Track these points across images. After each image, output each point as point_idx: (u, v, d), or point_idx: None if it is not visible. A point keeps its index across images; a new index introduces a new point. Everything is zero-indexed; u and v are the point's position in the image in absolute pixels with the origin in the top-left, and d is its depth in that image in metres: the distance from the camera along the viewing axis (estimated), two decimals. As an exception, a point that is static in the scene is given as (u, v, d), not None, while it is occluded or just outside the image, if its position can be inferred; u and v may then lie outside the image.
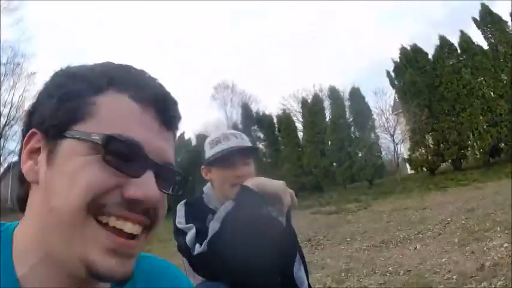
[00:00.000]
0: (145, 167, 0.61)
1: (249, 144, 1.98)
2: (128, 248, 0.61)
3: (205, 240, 1.71)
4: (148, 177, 0.61)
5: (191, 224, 1.79)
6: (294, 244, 1.99)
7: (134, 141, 0.61)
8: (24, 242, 0.64)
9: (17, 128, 29.69)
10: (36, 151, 0.65)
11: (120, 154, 0.60)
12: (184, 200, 1.95)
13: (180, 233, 1.81)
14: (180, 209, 1.91)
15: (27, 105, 27.85)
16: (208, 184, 2.02)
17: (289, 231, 1.95)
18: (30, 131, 0.66)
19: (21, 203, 0.68)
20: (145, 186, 0.60)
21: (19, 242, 0.65)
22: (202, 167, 2.00)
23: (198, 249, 1.70)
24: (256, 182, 1.83)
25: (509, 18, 19.97)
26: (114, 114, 0.62)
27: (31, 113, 0.68)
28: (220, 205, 1.87)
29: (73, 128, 0.61)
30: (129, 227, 0.60)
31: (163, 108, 0.66)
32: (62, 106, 0.63)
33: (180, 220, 1.85)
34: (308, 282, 1.96)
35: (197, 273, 1.74)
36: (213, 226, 1.74)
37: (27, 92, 28.05)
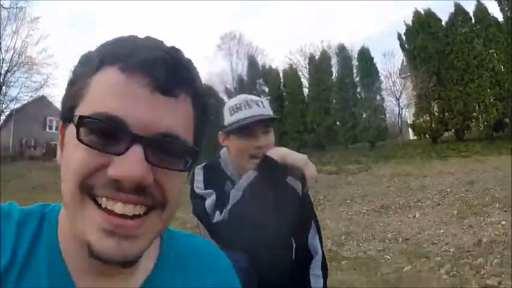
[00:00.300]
0: (128, 143, 0.56)
1: (270, 112, 1.89)
2: (125, 228, 0.57)
3: (225, 209, 1.68)
4: (132, 153, 0.56)
5: (211, 190, 1.75)
6: (309, 214, 1.97)
7: (109, 115, 0.56)
8: (64, 222, 0.66)
9: (19, 75, 29.15)
10: (61, 141, 0.66)
11: (99, 132, 0.57)
12: (203, 164, 1.91)
13: (198, 198, 1.76)
14: (199, 173, 1.86)
15: (29, 51, 27.30)
16: (225, 149, 1.95)
17: (305, 201, 1.93)
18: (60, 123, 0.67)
19: None
20: (124, 165, 0.55)
21: (62, 223, 0.67)
22: (220, 132, 1.91)
23: (218, 217, 1.67)
24: (279, 152, 1.78)
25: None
26: (98, 91, 0.59)
27: None
28: (237, 172, 1.86)
29: (74, 113, 0.60)
30: (118, 208, 0.57)
31: (153, 73, 0.58)
32: (68, 92, 0.63)
33: (199, 185, 1.80)
34: (322, 250, 1.97)
35: (214, 241, 1.64)
36: (235, 195, 1.71)
37: (30, 37, 27.30)
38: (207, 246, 0.86)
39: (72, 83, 0.63)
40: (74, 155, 0.58)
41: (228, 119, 1.84)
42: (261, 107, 1.86)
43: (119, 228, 0.57)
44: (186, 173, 0.64)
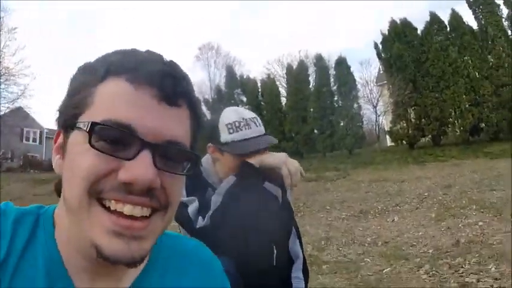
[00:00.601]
0: (138, 148, 0.60)
1: (263, 130, 1.90)
2: (133, 229, 0.60)
3: (207, 214, 1.72)
4: (142, 158, 0.59)
5: (193, 197, 1.78)
6: (289, 219, 1.98)
7: (121, 123, 0.59)
8: (62, 224, 0.68)
9: None
10: (62, 147, 0.67)
11: (110, 138, 0.60)
12: None
13: (181, 205, 1.75)
14: None
15: (6, 61, 26.90)
16: (207, 158, 1.97)
17: (285, 206, 1.94)
18: (57, 130, 0.70)
19: (59, 191, 0.70)
20: (135, 169, 0.59)
21: (58, 223, 0.69)
22: (211, 145, 1.91)
23: (200, 222, 1.71)
24: (257, 157, 1.83)
25: (502, 1, 20.12)
26: (107, 99, 0.62)
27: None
28: (218, 181, 1.88)
29: (78, 120, 0.63)
30: (128, 209, 0.60)
31: (160, 84, 0.62)
32: (70, 101, 0.66)
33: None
34: (303, 255, 1.99)
35: None
36: (215, 200, 1.75)
37: (7, 47, 26.77)
38: (198, 246, 0.89)
39: (74, 91, 0.66)
40: (83, 160, 0.60)
41: (226, 136, 1.84)
42: (258, 125, 1.88)
43: (127, 230, 0.60)
44: (184, 177, 0.69)
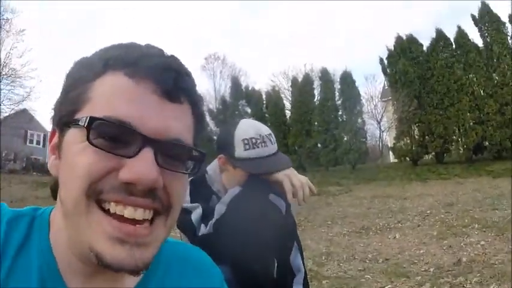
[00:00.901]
0: (140, 146, 0.57)
1: (276, 147, 1.86)
2: (135, 236, 0.57)
3: (210, 222, 1.69)
4: (144, 156, 0.56)
5: (197, 204, 1.76)
6: (292, 232, 1.96)
7: (121, 119, 0.56)
8: (58, 226, 0.65)
9: (2, 87, 28.04)
10: (58, 146, 0.64)
11: (110, 135, 0.57)
12: (190, 178, 1.89)
13: (184, 211, 1.71)
14: None
15: (14, 63, 27.04)
16: (213, 165, 1.94)
17: (288, 220, 1.91)
18: (51, 129, 0.67)
19: (55, 193, 0.68)
20: (138, 167, 0.56)
21: (54, 225, 0.66)
22: (222, 156, 1.87)
23: (203, 230, 1.69)
24: None
25: (507, 19, 20.25)
26: (107, 95, 0.59)
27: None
28: (223, 189, 1.87)
29: (75, 117, 0.60)
30: (129, 212, 0.56)
31: (161, 79, 0.60)
32: (67, 97, 0.63)
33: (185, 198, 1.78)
34: (304, 269, 1.95)
35: None
36: (219, 208, 1.72)
37: (14, 49, 26.94)
38: (197, 252, 0.87)
39: (70, 87, 0.63)
40: (81, 159, 0.57)
41: (241, 152, 1.80)
42: (273, 143, 1.84)
43: (130, 236, 0.57)
44: (187, 178, 0.66)
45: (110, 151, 0.56)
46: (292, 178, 1.78)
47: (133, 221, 0.57)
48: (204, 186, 1.89)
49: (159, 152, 0.58)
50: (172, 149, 0.60)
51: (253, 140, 1.80)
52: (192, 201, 1.77)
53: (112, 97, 0.59)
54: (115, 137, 0.57)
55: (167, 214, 0.62)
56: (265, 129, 1.86)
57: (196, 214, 1.73)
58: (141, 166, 0.55)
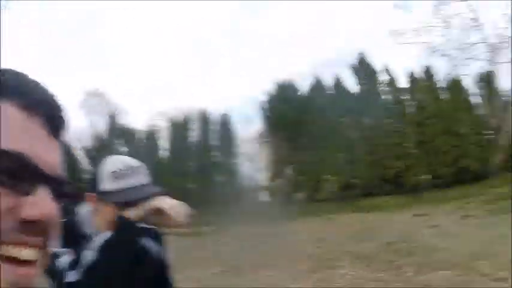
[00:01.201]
0: (38, 182, 0.52)
1: (148, 179, 1.81)
2: (30, 277, 0.52)
3: (80, 269, 1.62)
4: (44, 192, 0.52)
5: (66, 249, 1.66)
6: (164, 278, 1.93)
7: (19, 153, 0.51)
8: None
9: None
10: None
11: (2, 170, 0.50)
12: None
13: (53, 256, 1.60)
14: None
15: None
16: (85, 207, 1.84)
17: (161, 264, 1.89)
18: None
19: None
20: (41, 204, 0.51)
21: None
22: (90, 194, 1.77)
23: (71, 276, 1.61)
24: (134, 212, 1.72)
25: (381, 69, 22.41)
26: None
27: None
28: (95, 233, 1.76)
29: None
30: (26, 254, 0.50)
31: (50, 115, 0.57)
32: None
33: None
34: None
35: None
36: (88, 254, 1.65)
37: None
38: None
39: None
40: None
41: (110, 184, 1.74)
42: (145, 175, 1.81)
43: (24, 279, 0.51)
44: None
45: (6, 187, 0.50)
46: (168, 199, 1.73)
47: (26, 263, 0.51)
48: (75, 229, 1.79)
49: (51, 189, 0.54)
50: (60, 185, 0.56)
51: (122, 172, 1.75)
52: (63, 246, 1.67)
53: (5, 129, 0.53)
54: (9, 171, 0.50)
55: (45, 252, 0.56)
56: (135, 162, 1.81)
57: (64, 259, 1.65)
58: (45, 202, 0.52)
